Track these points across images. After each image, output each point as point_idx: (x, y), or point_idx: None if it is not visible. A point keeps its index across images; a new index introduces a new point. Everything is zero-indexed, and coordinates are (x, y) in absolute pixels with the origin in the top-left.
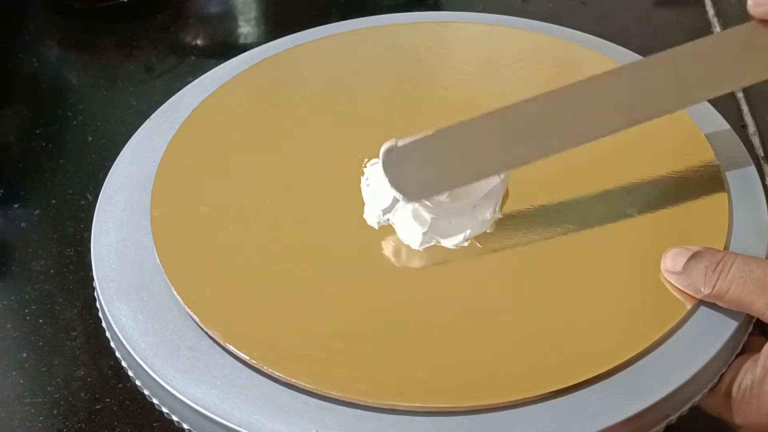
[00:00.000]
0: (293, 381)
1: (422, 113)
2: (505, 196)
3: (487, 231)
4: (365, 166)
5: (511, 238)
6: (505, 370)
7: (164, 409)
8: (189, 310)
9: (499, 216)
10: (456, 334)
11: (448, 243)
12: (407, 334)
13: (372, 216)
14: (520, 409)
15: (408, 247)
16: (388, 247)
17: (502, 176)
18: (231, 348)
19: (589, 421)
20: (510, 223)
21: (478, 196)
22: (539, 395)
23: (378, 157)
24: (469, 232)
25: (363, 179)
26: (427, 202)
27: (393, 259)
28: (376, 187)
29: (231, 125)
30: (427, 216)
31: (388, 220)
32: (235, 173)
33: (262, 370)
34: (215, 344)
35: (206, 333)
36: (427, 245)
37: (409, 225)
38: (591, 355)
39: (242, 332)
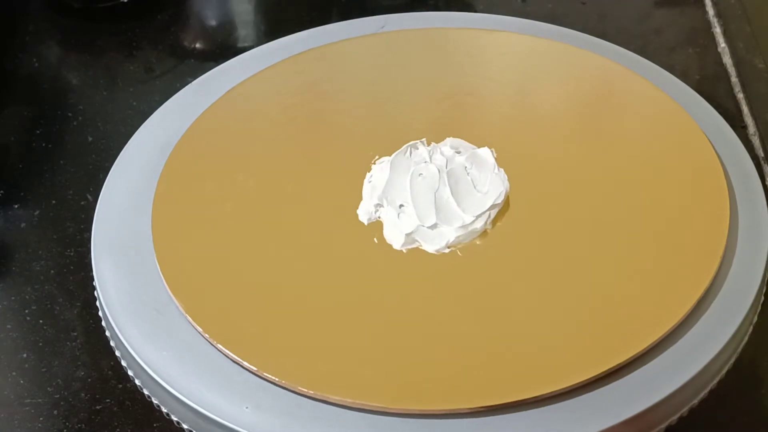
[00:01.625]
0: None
1: (441, 117)
2: (504, 208)
3: (476, 242)
4: (374, 163)
5: (497, 250)
6: (493, 374)
7: (164, 409)
8: (186, 313)
9: (489, 227)
10: (413, 338)
11: (430, 247)
12: (364, 331)
13: (364, 212)
14: (515, 414)
15: (390, 246)
16: (369, 244)
17: (505, 190)
18: (227, 351)
19: (583, 425)
20: (500, 234)
21: (483, 208)
22: (535, 397)
23: (389, 154)
24: (451, 239)
25: (367, 175)
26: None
27: (370, 257)
28: (375, 183)
29: (238, 127)
30: (414, 218)
31: (379, 217)
32: (238, 175)
33: (261, 374)
34: (214, 346)
35: (202, 334)
36: (409, 247)
37: (395, 225)
38: (582, 359)
39: (242, 336)
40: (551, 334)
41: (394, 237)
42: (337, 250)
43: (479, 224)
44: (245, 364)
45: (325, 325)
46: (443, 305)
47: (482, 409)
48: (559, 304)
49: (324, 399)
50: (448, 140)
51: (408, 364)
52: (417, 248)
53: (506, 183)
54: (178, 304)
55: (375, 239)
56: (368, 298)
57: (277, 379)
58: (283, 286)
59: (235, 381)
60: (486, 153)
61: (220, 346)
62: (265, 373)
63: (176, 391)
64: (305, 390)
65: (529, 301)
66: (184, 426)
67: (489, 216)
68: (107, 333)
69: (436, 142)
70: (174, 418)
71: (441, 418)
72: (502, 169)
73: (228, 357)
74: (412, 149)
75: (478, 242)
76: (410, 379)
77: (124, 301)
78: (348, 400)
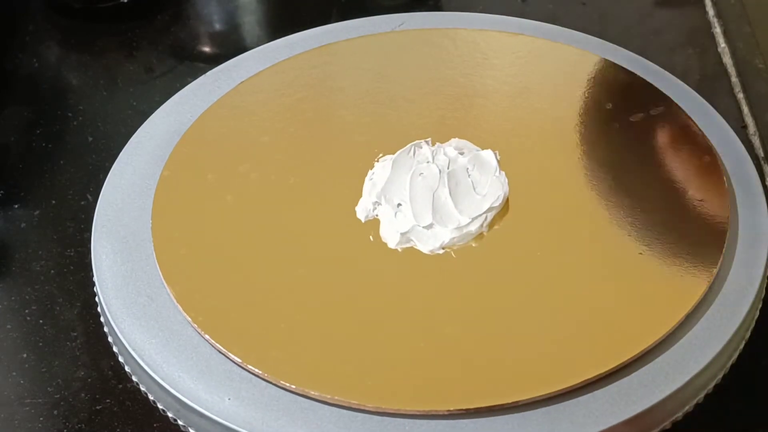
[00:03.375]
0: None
1: (449, 117)
2: (504, 211)
3: (472, 245)
4: (377, 161)
5: (491, 253)
6: (486, 375)
7: (160, 406)
8: (186, 315)
9: (485, 230)
10: (398, 337)
11: (424, 247)
12: (349, 328)
13: (362, 209)
14: (511, 416)
15: (385, 245)
16: (364, 242)
17: (503, 193)
18: (212, 341)
19: (583, 426)
20: (497, 237)
21: (480, 211)
22: (531, 399)
23: (393, 152)
24: (446, 240)
25: (369, 173)
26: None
27: (364, 254)
28: (376, 181)
29: (241, 124)
30: (410, 218)
31: (376, 215)
32: (240, 170)
33: (245, 365)
34: (214, 348)
35: (203, 336)
36: (404, 246)
37: (392, 223)
38: (581, 360)
39: (229, 327)
40: (547, 335)
41: (390, 235)
42: (332, 246)
43: (475, 227)
44: (230, 355)
45: (312, 320)
46: (433, 305)
47: (473, 410)
48: (556, 306)
49: (304, 394)
50: (453, 141)
51: (390, 363)
52: (411, 248)
53: (506, 187)
54: (169, 292)
55: (371, 237)
56: (357, 296)
57: (259, 372)
58: (274, 279)
59: (219, 372)
60: (489, 155)
61: (207, 336)
62: (248, 365)
63: (160, 377)
64: (286, 384)
65: (524, 304)
66: (180, 422)
67: (486, 219)
68: (101, 318)
69: (442, 143)
70: (160, 406)
71: (424, 419)
72: (503, 173)
73: (214, 347)
74: (416, 149)
75: (473, 244)
76: (391, 378)
77: (125, 302)
78: (327, 396)
